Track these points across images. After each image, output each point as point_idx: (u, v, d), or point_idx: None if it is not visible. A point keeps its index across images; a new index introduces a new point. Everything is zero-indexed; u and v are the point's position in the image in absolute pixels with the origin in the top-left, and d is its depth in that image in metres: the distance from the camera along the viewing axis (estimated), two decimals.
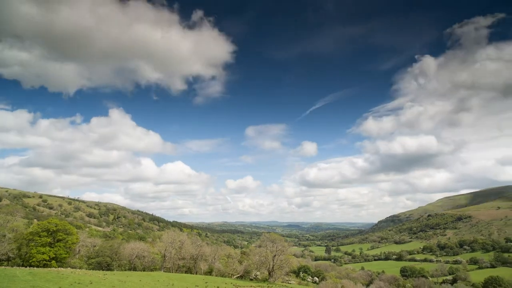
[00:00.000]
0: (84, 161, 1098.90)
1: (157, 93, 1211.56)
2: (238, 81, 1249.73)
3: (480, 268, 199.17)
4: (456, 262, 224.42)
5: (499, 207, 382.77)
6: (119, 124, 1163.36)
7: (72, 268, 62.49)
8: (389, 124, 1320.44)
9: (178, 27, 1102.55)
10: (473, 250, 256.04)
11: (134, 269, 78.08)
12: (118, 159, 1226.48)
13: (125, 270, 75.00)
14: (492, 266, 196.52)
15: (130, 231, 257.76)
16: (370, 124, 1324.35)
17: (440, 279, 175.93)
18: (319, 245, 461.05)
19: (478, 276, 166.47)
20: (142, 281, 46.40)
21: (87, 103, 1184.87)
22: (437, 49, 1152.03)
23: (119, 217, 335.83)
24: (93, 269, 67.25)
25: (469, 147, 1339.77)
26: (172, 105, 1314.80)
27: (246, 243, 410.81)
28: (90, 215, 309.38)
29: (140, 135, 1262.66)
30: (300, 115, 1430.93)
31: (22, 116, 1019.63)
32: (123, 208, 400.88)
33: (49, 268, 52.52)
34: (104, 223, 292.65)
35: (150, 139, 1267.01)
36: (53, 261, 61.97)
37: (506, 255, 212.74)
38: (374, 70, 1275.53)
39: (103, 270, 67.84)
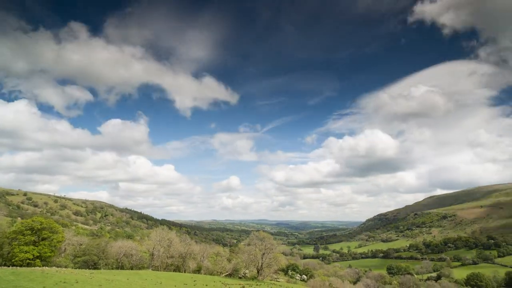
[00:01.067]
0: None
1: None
2: None
3: (463, 265, 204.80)
4: (440, 259, 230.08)
5: (482, 206, 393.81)
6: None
7: (58, 267, 61.30)
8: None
9: None
10: (457, 248, 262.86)
11: (122, 267, 77.19)
12: (105, 158, 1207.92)
13: (112, 269, 74.06)
14: (474, 263, 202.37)
15: (118, 229, 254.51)
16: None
17: (425, 276, 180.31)
18: (308, 244, 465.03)
19: (461, 272, 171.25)
20: (129, 280, 45.90)
21: None
22: None
23: (107, 215, 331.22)
24: (79, 268, 66.15)
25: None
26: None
27: (235, 241, 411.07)
28: (76, 213, 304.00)
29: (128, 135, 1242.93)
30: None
31: None
32: (111, 206, 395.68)
33: (33, 268, 51.40)
34: (91, 221, 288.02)
35: (139, 139, 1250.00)
36: (37, 260, 60.61)
37: (487, 252, 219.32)
38: None
39: (89, 269, 66.80)
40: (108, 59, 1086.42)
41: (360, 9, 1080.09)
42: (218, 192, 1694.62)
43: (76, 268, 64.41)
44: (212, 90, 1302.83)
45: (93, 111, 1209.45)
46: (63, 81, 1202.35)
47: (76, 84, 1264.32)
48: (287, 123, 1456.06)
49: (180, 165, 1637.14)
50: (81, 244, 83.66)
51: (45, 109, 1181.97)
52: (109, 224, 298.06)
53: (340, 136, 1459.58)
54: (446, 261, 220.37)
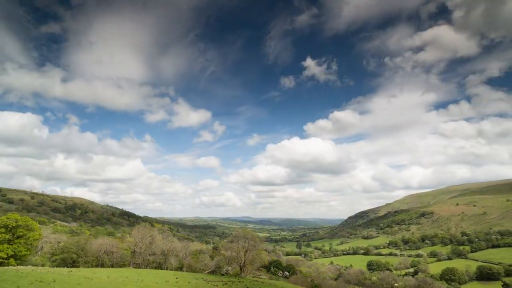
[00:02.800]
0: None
1: None
2: None
3: (438, 260, 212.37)
4: (418, 255, 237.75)
5: (457, 204, 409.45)
6: None
7: (34, 266, 59.51)
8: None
9: None
10: (433, 244, 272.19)
11: (102, 265, 75.81)
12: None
13: (92, 266, 72.63)
14: (449, 258, 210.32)
15: (98, 227, 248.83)
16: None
17: (403, 272, 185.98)
18: (291, 241, 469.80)
19: (437, 267, 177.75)
20: (110, 278, 45.21)
21: None
22: None
23: (87, 212, 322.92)
24: (57, 266, 64.49)
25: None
26: None
27: (218, 238, 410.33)
28: (55, 210, 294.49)
29: None
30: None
31: None
32: (91, 202, 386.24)
33: (6, 267, 49.67)
34: (71, 218, 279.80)
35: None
36: (12, 259, 58.52)
37: (461, 247, 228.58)
38: None
39: (68, 267, 65.23)
40: None
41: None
42: (204, 189, 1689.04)
43: (53, 267, 62.75)
44: None
45: None
46: None
47: None
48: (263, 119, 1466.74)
49: (162, 162, 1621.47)
50: (60, 242, 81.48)
51: None
52: (89, 221, 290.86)
53: None
54: (423, 257, 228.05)
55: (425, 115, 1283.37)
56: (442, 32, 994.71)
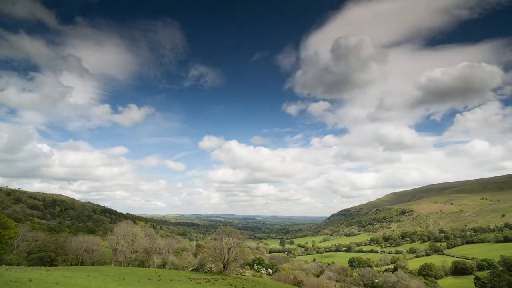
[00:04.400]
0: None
1: None
2: None
3: (417, 256, 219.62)
4: (397, 252, 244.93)
5: (436, 202, 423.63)
6: None
7: (8, 265, 57.55)
8: None
9: None
10: (412, 241, 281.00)
11: (82, 263, 74.13)
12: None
13: (71, 265, 70.86)
14: (427, 255, 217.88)
15: (78, 224, 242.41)
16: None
17: (383, 268, 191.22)
18: (274, 238, 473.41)
19: (415, 263, 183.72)
20: (90, 276, 44.29)
21: None
22: None
23: (67, 209, 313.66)
24: (34, 266, 62.57)
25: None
26: None
27: (201, 236, 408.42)
28: (33, 207, 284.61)
29: None
30: None
31: None
32: (72, 199, 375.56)
33: None
34: (49, 216, 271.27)
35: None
36: None
37: (438, 244, 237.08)
38: None
39: (45, 266, 63.41)
40: None
41: None
42: (187, 186, 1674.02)
43: (30, 266, 60.86)
44: None
45: None
46: None
47: None
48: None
49: (145, 158, 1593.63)
50: (37, 240, 79.10)
51: None
52: (69, 218, 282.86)
53: None
54: (403, 253, 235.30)
55: None
56: None
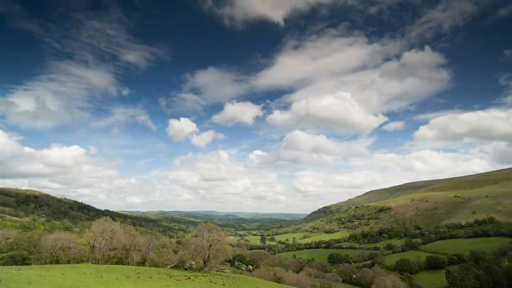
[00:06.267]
0: None
1: None
2: None
3: (394, 252, 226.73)
4: (375, 248, 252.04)
5: (412, 200, 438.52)
6: None
7: None
8: None
9: None
10: (390, 237, 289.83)
11: (57, 262, 71.85)
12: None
13: (45, 263, 68.58)
14: (403, 250, 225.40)
15: (54, 221, 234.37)
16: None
17: (361, 264, 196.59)
18: (255, 235, 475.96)
19: (392, 259, 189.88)
20: (65, 275, 43.09)
21: None
22: None
23: (42, 206, 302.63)
24: (3, 265, 60.06)
25: None
26: None
27: (182, 233, 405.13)
28: (4, 204, 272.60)
29: None
30: None
31: None
32: (47, 195, 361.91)
33: None
34: (23, 213, 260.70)
35: None
36: None
37: (414, 240, 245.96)
38: None
39: (17, 265, 61.04)
40: None
41: None
42: (168, 183, 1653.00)
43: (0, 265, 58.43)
44: None
45: None
46: None
47: None
48: None
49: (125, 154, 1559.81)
50: (8, 238, 75.90)
51: None
52: (44, 215, 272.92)
53: None
54: (380, 249, 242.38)
55: None
56: None
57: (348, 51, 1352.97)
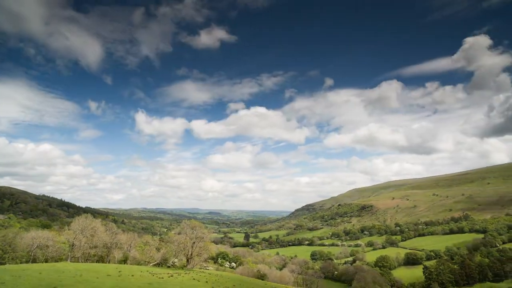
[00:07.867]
0: None
1: None
2: None
3: (374, 249, 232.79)
4: (357, 245, 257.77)
5: (393, 198, 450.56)
6: None
7: None
8: None
9: None
10: (371, 235, 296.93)
11: (34, 261, 69.69)
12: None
13: (21, 263, 66.42)
14: (383, 247, 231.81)
15: (31, 219, 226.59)
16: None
17: (343, 261, 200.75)
18: (239, 232, 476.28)
19: (372, 256, 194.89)
20: (43, 274, 41.91)
21: None
22: None
23: (18, 203, 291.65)
24: None
25: None
26: None
27: (165, 230, 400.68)
28: None
29: None
30: None
31: None
32: (24, 192, 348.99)
33: None
34: None
35: None
36: None
37: (394, 237, 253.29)
38: None
39: None
40: None
41: None
42: (151, 180, 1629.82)
43: None
44: None
45: None
46: None
47: None
48: None
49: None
50: None
51: None
52: (20, 213, 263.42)
53: None
54: (361, 246, 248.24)
55: None
56: None
57: None
